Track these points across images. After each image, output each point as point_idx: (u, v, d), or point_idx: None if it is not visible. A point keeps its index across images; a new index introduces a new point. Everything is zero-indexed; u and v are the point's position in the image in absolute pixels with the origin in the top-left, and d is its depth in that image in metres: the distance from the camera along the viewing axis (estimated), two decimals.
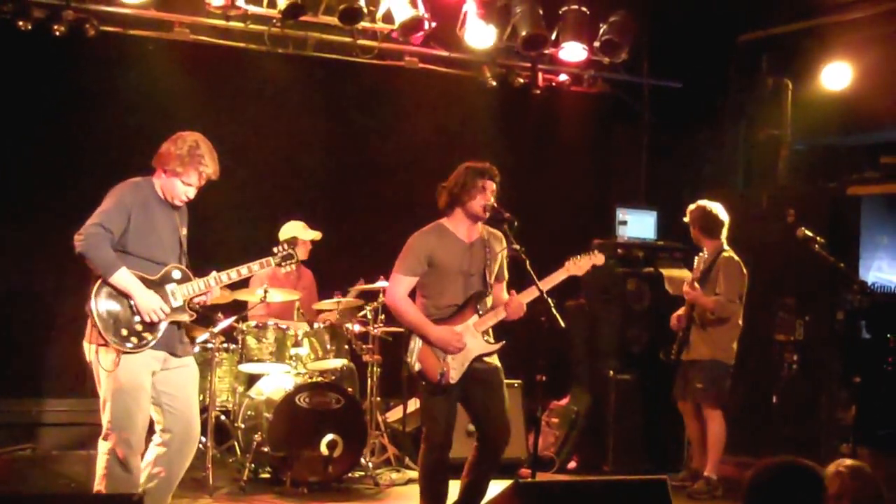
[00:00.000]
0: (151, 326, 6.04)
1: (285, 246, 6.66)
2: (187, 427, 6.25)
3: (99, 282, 5.97)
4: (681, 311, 8.85)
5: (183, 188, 6.20)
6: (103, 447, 6.07)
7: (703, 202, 8.86)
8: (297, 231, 9.39)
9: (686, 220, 8.90)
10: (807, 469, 3.71)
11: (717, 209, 8.80)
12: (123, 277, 5.96)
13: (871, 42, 10.51)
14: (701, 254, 8.83)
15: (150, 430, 6.27)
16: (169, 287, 6.14)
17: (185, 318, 6.23)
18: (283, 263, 6.64)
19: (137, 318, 6.01)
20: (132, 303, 5.99)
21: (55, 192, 9.25)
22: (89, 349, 6.06)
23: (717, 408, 8.73)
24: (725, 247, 8.81)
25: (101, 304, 5.97)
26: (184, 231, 6.36)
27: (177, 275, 6.19)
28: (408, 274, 6.71)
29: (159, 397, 6.18)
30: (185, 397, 6.26)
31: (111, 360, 6.00)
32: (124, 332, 5.99)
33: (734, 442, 10.71)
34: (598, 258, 7.12)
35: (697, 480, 8.78)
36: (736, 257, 8.75)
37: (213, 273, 6.32)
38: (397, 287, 6.75)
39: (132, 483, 6.06)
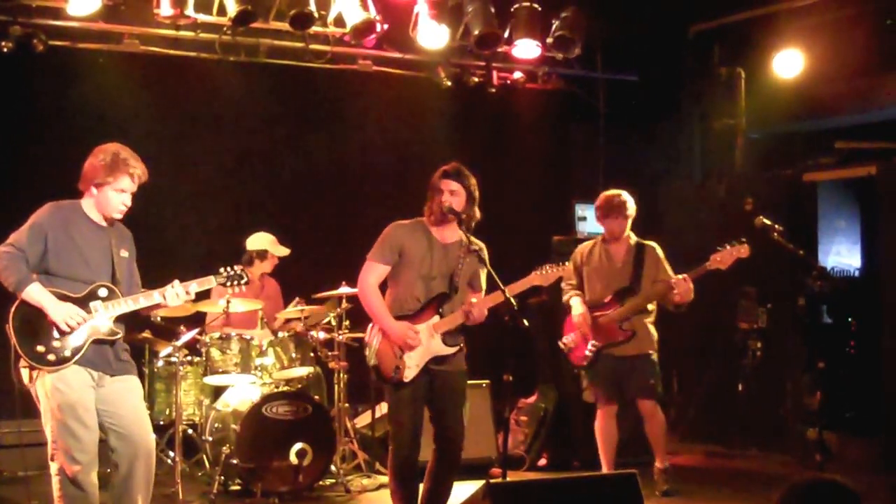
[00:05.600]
0: (71, 342, 5.96)
1: (234, 267, 6.55)
2: (134, 442, 6.13)
3: (17, 302, 5.95)
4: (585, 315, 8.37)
5: (118, 197, 6.12)
6: (53, 468, 6.03)
7: (622, 191, 8.45)
8: (267, 244, 9.38)
9: (630, 211, 8.35)
10: (841, 487, 3.46)
11: None
12: (35, 291, 5.91)
13: (822, 28, 10.57)
14: (592, 246, 8.55)
15: None
16: (93, 304, 6.05)
17: (112, 334, 6.12)
18: (228, 284, 6.49)
19: (56, 334, 5.95)
20: (49, 318, 5.94)
21: (7, 207, 9.13)
22: (23, 372, 6.03)
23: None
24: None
25: (18, 324, 5.94)
26: (123, 253, 6.26)
27: (103, 292, 6.09)
28: (380, 261, 6.72)
29: (101, 417, 6.09)
30: (126, 413, 6.14)
31: (40, 380, 5.97)
32: (40, 348, 5.92)
33: (702, 431, 10.80)
34: (567, 270, 7.14)
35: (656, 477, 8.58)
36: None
37: (146, 291, 6.26)
38: (368, 274, 6.76)
39: (89, 501, 6.02)
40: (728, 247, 7.90)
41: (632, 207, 8.36)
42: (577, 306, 8.40)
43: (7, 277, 5.91)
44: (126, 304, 6.14)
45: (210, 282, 6.40)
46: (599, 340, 8.31)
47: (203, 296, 8.13)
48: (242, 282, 6.52)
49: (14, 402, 8.40)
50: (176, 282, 6.24)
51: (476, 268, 6.85)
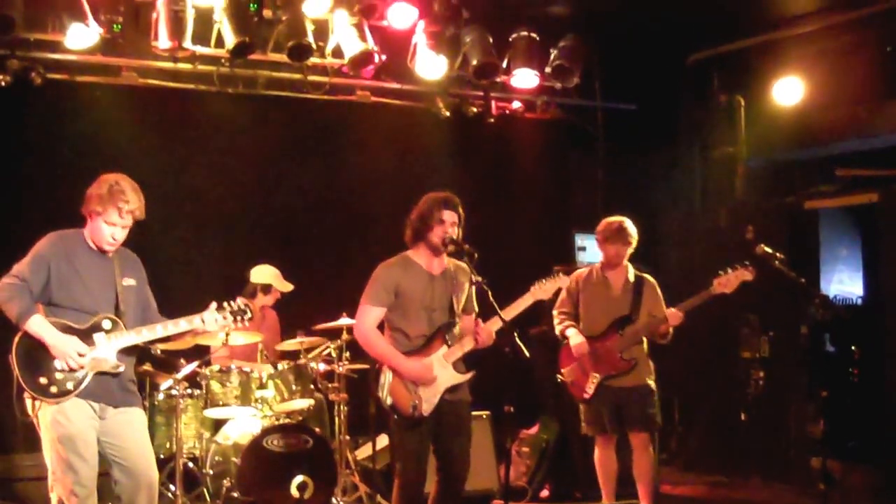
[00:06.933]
0: (73, 374, 5.95)
1: (237, 302, 6.52)
2: (137, 475, 6.13)
3: (19, 334, 5.95)
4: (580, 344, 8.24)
5: (108, 229, 6.09)
6: (53, 499, 6.02)
7: (624, 218, 8.34)
8: (272, 279, 9.36)
9: (632, 238, 8.23)
10: None
11: None
12: (36, 324, 5.91)
13: (822, 55, 10.56)
14: (589, 272, 8.44)
15: None
16: (97, 336, 6.05)
17: (115, 368, 6.10)
18: (232, 320, 6.43)
19: (58, 366, 5.94)
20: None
21: (4, 239, 9.11)
22: (27, 402, 6.03)
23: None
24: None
25: (20, 355, 5.94)
26: (128, 281, 6.25)
27: (107, 324, 6.08)
28: (376, 304, 6.68)
29: (104, 448, 6.09)
30: (129, 446, 6.14)
31: (42, 412, 5.97)
32: (43, 380, 5.92)
33: (704, 461, 10.73)
34: (564, 281, 7.12)
35: None
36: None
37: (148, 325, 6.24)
38: (366, 319, 6.71)
39: None
40: (731, 270, 7.85)
41: (634, 234, 8.26)
42: (574, 336, 8.27)
43: (10, 309, 5.91)
44: (130, 337, 6.13)
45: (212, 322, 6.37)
46: (600, 371, 8.18)
47: None
48: (246, 317, 6.46)
49: (17, 436, 8.46)
50: (213, 305, 6.31)
51: (469, 293, 6.85)
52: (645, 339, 8.26)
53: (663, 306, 8.20)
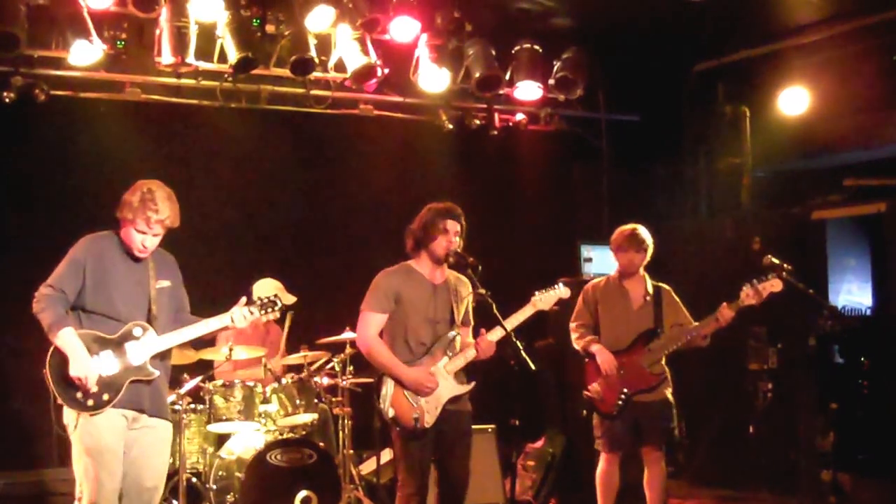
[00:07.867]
0: (109, 386, 5.93)
1: (264, 296, 6.50)
2: (138, 493, 6.15)
3: (52, 349, 5.93)
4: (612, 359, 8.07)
5: (139, 237, 6.07)
6: None
7: (638, 225, 8.22)
8: (275, 292, 9.30)
9: (648, 246, 8.11)
10: None
11: None
12: (65, 338, 5.88)
13: (827, 65, 10.54)
14: (606, 283, 8.32)
15: None
16: (129, 345, 6.03)
17: (149, 375, 6.09)
18: (267, 311, 6.40)
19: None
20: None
21: (10, 257, 9.11)
22: (68, 414, 6.02)
23: None
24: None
25: (54, 370, 5.92)
26: (162, 283, 6.23)
27: (138, 332, 6.07)
28: (377, 311, 6.67)
29: (123, 458, 6.08)
30: (142, 462, 6.15)
31: (74, 422, 5.97)
32: (79, 394, 5.90)
33: (712, 474, 10.67)
34: (564, 292, 7.06)
35: None
36: None
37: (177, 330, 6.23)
38: (367, 326, 6.70)
39: None
40: (757, 283, 7.73)
41: (648, 241, 8.13)
42: (601, 352, 8.06)
43: (43, 319, 5.91)
44: (161, 343, 6.13)
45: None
46: (630, 387, 8.00)
47: (207, 343, 8.09)
48: (276, 307, 6.44)
49: (50, 451, 8.45)
50: (243, 300, 6.31)
51: (468, 305, 6.83)
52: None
53: (686, 312, 8.13)
